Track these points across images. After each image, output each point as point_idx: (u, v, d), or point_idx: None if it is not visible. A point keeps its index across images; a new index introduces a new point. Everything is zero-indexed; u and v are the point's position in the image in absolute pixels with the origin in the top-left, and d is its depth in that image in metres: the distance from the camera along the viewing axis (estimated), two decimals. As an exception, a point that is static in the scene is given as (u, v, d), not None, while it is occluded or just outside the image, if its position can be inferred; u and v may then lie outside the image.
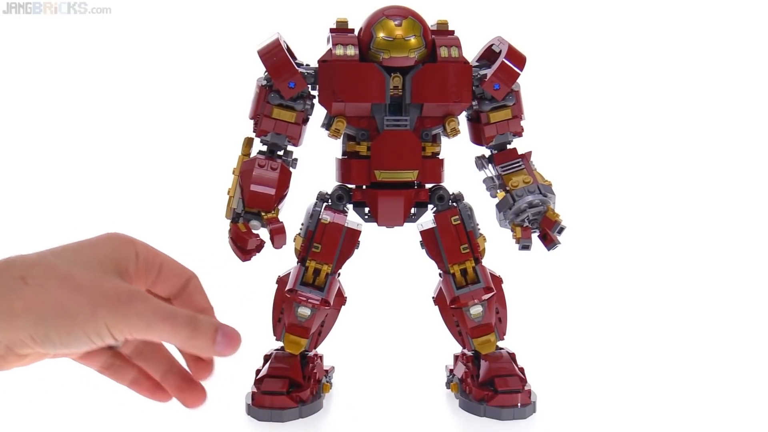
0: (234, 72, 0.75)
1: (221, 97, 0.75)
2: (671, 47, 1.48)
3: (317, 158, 0.80)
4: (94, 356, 0.71)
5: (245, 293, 1.12)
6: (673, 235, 1.40)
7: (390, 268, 1.11)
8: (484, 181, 0.80)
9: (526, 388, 0.77)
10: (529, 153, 0.79)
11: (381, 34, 0.70)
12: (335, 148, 0.80)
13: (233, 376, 0.84)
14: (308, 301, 0.75)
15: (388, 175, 0.74)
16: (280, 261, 0.79)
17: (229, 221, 0.73)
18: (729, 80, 1.48)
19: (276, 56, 0.71)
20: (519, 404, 0.76)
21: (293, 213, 0.77)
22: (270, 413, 0.74)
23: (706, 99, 1.48)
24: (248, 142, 0.76)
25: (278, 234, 0.71)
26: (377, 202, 0.75)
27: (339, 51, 0.71)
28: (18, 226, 1.41)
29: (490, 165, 0.80)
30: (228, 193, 0.74)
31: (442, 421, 0.76)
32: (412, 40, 0.70)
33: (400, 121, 0.73)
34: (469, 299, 0.76)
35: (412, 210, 0.77)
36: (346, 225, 0.76)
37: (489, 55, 0.78)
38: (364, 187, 0.76)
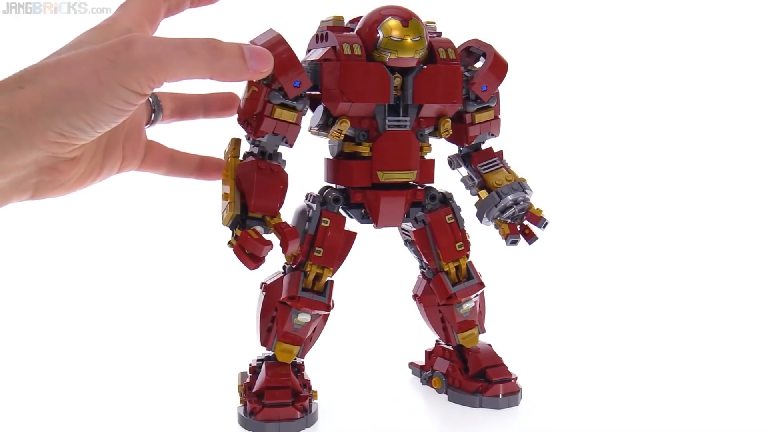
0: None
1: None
2: (645, 44, 1.60)
3: (297, 159, 0.78)
4: (154, 161, 0.70)
5: (218, 303, 1.12)
6: (648, 227, 1.51)
7: (362, 269, 1.11)
8: (463, 180, 0.83)
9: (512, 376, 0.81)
10: (501, 152, 0.83)
11: (389, 34, 0.69)
12: (316, 148, 0.78)
13: (217, 391, 0.80)
14: (312, 308, 0.73)
15: (390, 176, 0.74)
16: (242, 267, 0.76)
17: (228, 228, 0.69)
18: (703, 74, 1.62)
19: (282, 53, 0.67)
20: (512, 392, 0.79)
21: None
22: (278, 426, 0.71)
23: (679, 95, 1.61)
24: (237, 144, 0.72)
25: (294, 238, 0.68)
26: (380, 203, 0.74)
27: (347, 50, 0.69)
28: (17, 228, 1.38)
29: (463, 164, 0.83)
30: (225, 199, 0.69)
31: (443, 417, 0.77)
32: (418, 40, 0.70)
33: (401, 121, 0.73)
34: (464, 295, 0.78)
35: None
36: (345, 228, 0.74)
37: (465, 57, 0.80)
38: (359, 188, 0.75)
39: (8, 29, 0.75)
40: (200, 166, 0.74)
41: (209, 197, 0.82)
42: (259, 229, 0.68)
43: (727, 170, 1.58)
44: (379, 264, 0.94)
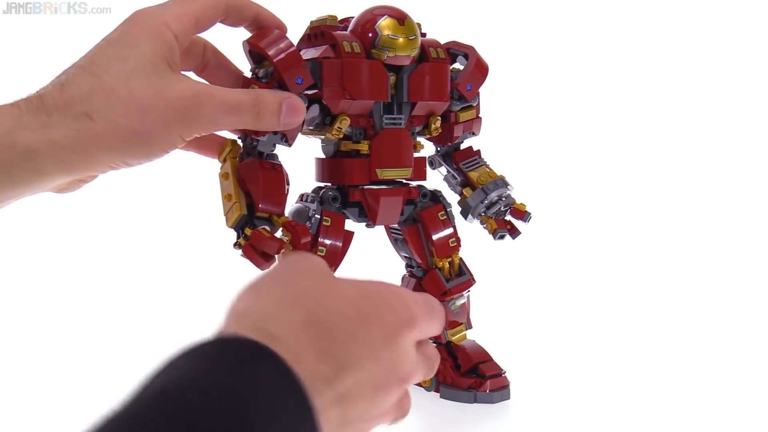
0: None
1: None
2: (621, 46, 1.63)
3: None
4: None
5: (204, 305, 1.02)
6: (628, 221, 1.52)
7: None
8: (445, 178, 0.84)
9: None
10: (479, 150, 0.85)
11: (387, 33, 0.70)
12: (302, 148, 0.77)
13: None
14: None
15: (388, 173, 0.74)
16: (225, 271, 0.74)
17: (233, 229, 0.67)
18: (688, 72, 1.65)
19: (286, 49, 0.66)
20: (503, 386, 0.80)
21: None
22: (287, 432, 0.69)
23: (667, 95, 1.64)
24: (234, 145, 0.70)
25: (306, 235, 0.67)
26: (379, 201, 0.74)
27: (347, 48, 0.69)
28: (16, 228, 1.36)
29: (444, 163, 0.84)
30: (228, 200, 0.67)
31: (440, 415, 0.77)
32: (413, 39, 0.71)
33: (396, 119, 0.74)
34: (458, 291, 0.79)
35: None
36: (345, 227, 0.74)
37: None
38: (357, 186, 0.75)
39: (8, 29, 0.72)
40: (198, 141, 0.71)
41: (192, 200, 0.79)
42: (267, 229, 0.67)
43: (710, 168, 1.65)
44: (358, 264, 0.94)
